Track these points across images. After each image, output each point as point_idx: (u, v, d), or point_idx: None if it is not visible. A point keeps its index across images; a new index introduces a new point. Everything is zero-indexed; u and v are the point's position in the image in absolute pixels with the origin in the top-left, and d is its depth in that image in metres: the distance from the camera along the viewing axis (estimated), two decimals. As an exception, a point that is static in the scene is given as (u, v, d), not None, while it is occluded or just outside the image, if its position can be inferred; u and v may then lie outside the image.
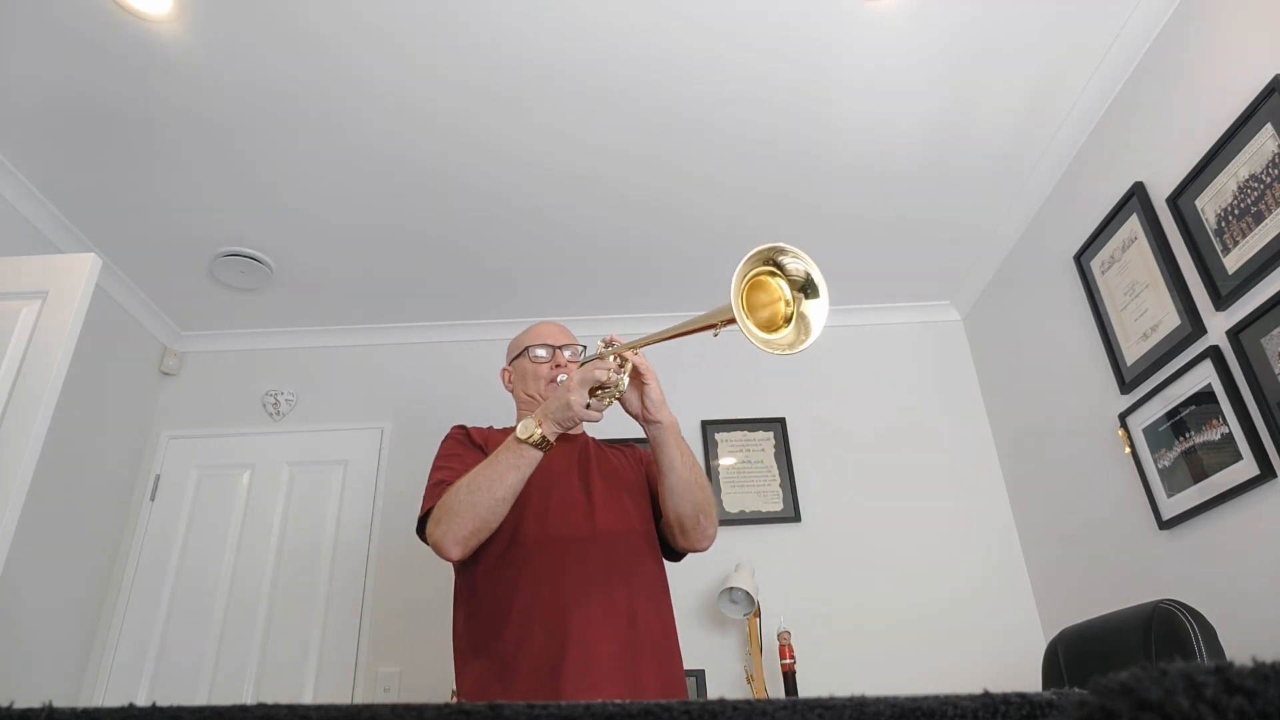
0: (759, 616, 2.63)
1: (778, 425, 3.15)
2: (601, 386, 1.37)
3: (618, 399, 1.41)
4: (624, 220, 2.80)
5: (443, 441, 1.61)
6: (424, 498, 1.48)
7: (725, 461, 3.09)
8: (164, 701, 0.50)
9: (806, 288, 1.23)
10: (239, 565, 2.91)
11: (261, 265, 2.89)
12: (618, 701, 0.47)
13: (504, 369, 1.77)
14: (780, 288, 1.23)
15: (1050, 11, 2.07)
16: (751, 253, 1.18)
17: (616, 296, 3.24)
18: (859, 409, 3.19)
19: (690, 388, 3.22)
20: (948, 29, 2.11)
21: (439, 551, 1.37)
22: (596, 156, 2.50)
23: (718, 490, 3.03)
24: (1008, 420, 3.05)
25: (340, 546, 2.95)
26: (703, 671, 2.66)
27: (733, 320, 1.16)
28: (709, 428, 3.14)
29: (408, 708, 0.47)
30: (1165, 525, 2.11)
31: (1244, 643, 1.71)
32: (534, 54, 2.13)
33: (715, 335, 1.26)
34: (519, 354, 1.71)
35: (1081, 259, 2.45)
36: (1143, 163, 2.18)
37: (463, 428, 1.63)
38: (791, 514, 2.98)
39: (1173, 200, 2.03)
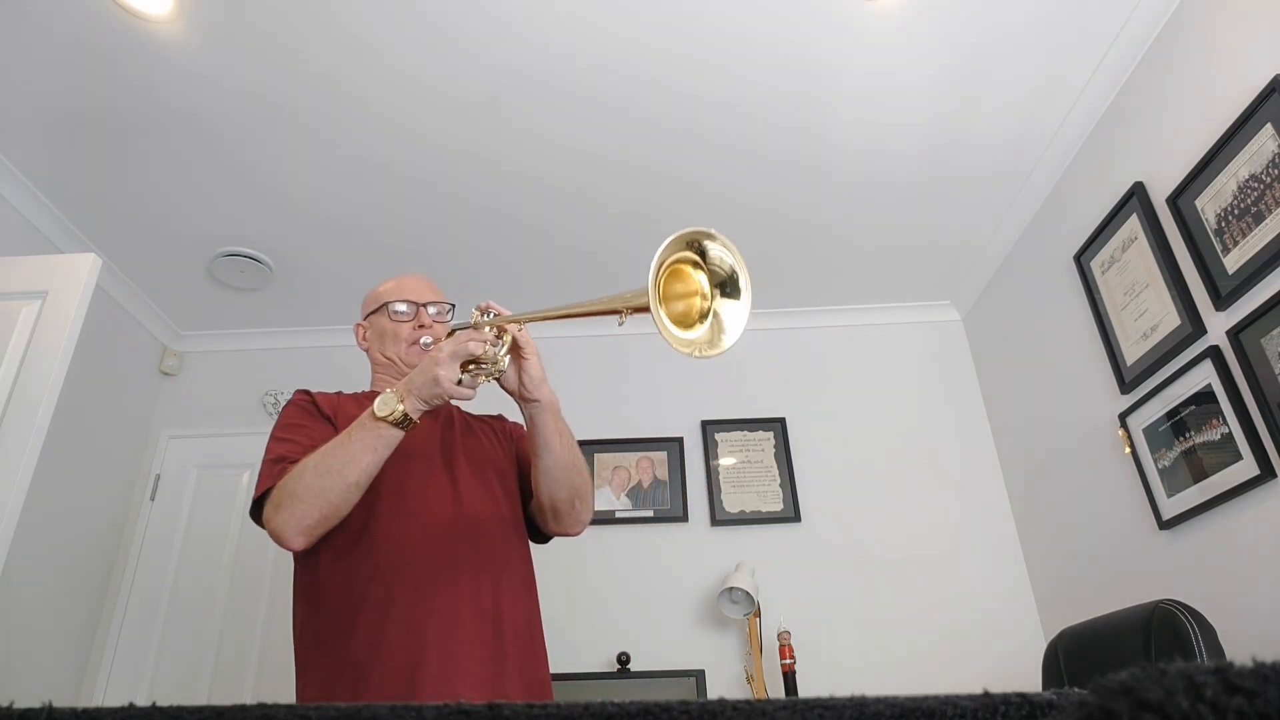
0: (759, 616, 2.63)
1: (778, 425, 3.15)
2: (476, 361, 1.21)
3: (496, 377, 1.25)
4: (618, 230, 2.81)
5: (283, 409, 1.39)
6: (259, 476, 1.29)
7: (725, 461, 3.09)
8: (164, 701, 0.50)
9: (726, 285, 1.12)
10: (239, 565, 2.91)
11: (261, 265, 2.89)
12: (616, 701, 0.47)
13: (358, 324, 1.57)
14: (699, 280, 1.11)
15: (1051, 11, 2.07)
16: (675, 235, 1.06)
17: (616, 297, 3.23)
18: (859, 409, 3.19)
19: (690, 388, 3.22)
20: (948, 29, 2.11)
21: (279, 540, 1.20)
22: (590, 166, 2.51)
23: (718, 490, 3.03)
24: (1007, 420, 3.05)
25: (340, 546, 2.94)
26: (703, 671, 2.66)
27: (644, 308, 1.03)
28: (709, 428, 3.14)
29: (407, 708, 0.47)
30: (1165, 525, 2.11)
31: (1244, 643, 1.71)
32: (525, 65, 2.13)
33: (620, 324, 1.12)
34: (376, 309, 1.51)
35: (1081, 259, 2.45)
36: (1143, 163, 2.18)
37: (307, 393, 1.42)
38: (791, 514, 2.98)
39: (1173, 200, 2.03)
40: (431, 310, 1.51)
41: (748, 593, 2.59)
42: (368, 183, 2.56)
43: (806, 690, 2.50)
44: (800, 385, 3.25)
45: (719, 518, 2.97)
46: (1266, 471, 1.76)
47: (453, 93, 2.22)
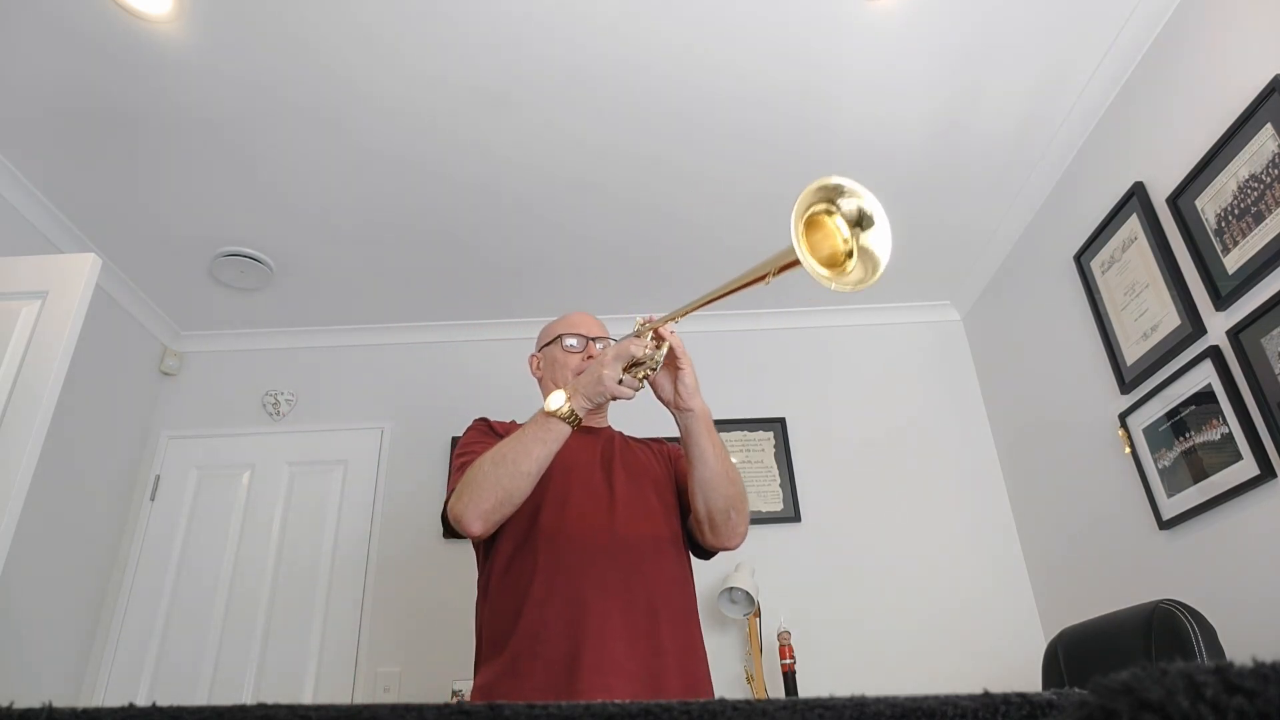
0: (759, 616, 2.63)
1: (778, 425, 3.15)
2: (637, 363, 1.33)
3: (649, 380, 1.36)
4: (626, 221, 2.80)
5: (465, 431, 1.59)
6: (449, 483, 1.45)
7: (725, 461, 3.08)
8: (164, 701, 0.50)
9: (861, 220, 1.17)
10: (239, 565, 2.91)
11: (261, 265, 2.89)
12: (618, 701, 0.47)
13: (533, 355, 1.73)
14: (836, 225, 1.17)
15: (1051, 12, 2.07)
16: (810, 188, 1.13)
17: (619, 297, 3.23)
18: (859, 409, 3.19)
19: (690, 388, 3.21)
20: (948, 29, 2.11)
21: (460, 526, 1.34)
22: (598, 157, 2.50)
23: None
24: (1008, 420, 3.05)
25: (340, 547, 2.95)
26: (703, 671, 2.66)
27: (793, 264, 1.10)
28: (709, 428, 3.14)
29: (408, 708, 0.47)
30: (1165, 525, 2.11)
31: (1244, 643, 1.71)
32: (535, 57, 2.13)
33: (767, 284, 1.20)
34: (550, 341, 1.67)
35: (1081, 259, 2.45)
36: (1143, 163, 2.17)
37: (485, 420, 1.61)
38: (791, 514, 2.98)
39: (1173, 200, 2.03)
40: (599, 345, 1.64)
41: (748, 593, 2.59)
42: (370, 180, 2.55)
43: (806, 690, 2.50)
44: (800, 385, 3.24)
45: (719, 518, 2.97)
46: (1266, 471, 1.76)
47: (463, 85, 2.21)
